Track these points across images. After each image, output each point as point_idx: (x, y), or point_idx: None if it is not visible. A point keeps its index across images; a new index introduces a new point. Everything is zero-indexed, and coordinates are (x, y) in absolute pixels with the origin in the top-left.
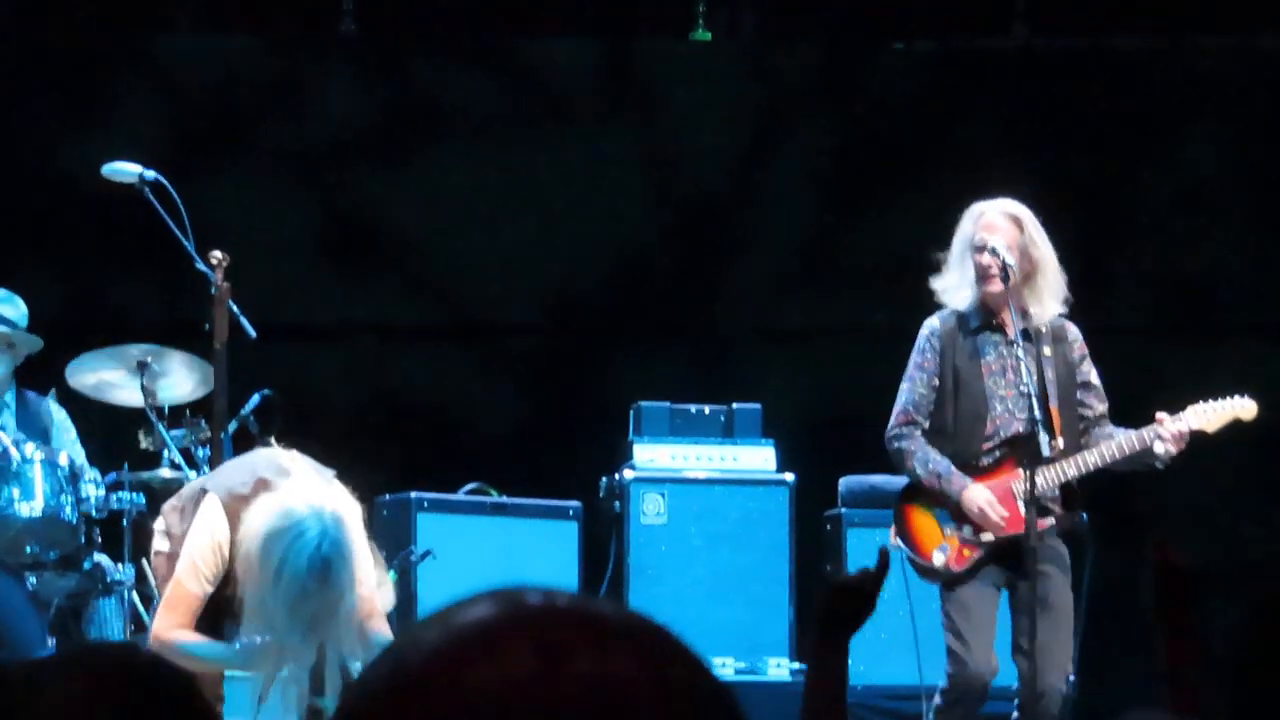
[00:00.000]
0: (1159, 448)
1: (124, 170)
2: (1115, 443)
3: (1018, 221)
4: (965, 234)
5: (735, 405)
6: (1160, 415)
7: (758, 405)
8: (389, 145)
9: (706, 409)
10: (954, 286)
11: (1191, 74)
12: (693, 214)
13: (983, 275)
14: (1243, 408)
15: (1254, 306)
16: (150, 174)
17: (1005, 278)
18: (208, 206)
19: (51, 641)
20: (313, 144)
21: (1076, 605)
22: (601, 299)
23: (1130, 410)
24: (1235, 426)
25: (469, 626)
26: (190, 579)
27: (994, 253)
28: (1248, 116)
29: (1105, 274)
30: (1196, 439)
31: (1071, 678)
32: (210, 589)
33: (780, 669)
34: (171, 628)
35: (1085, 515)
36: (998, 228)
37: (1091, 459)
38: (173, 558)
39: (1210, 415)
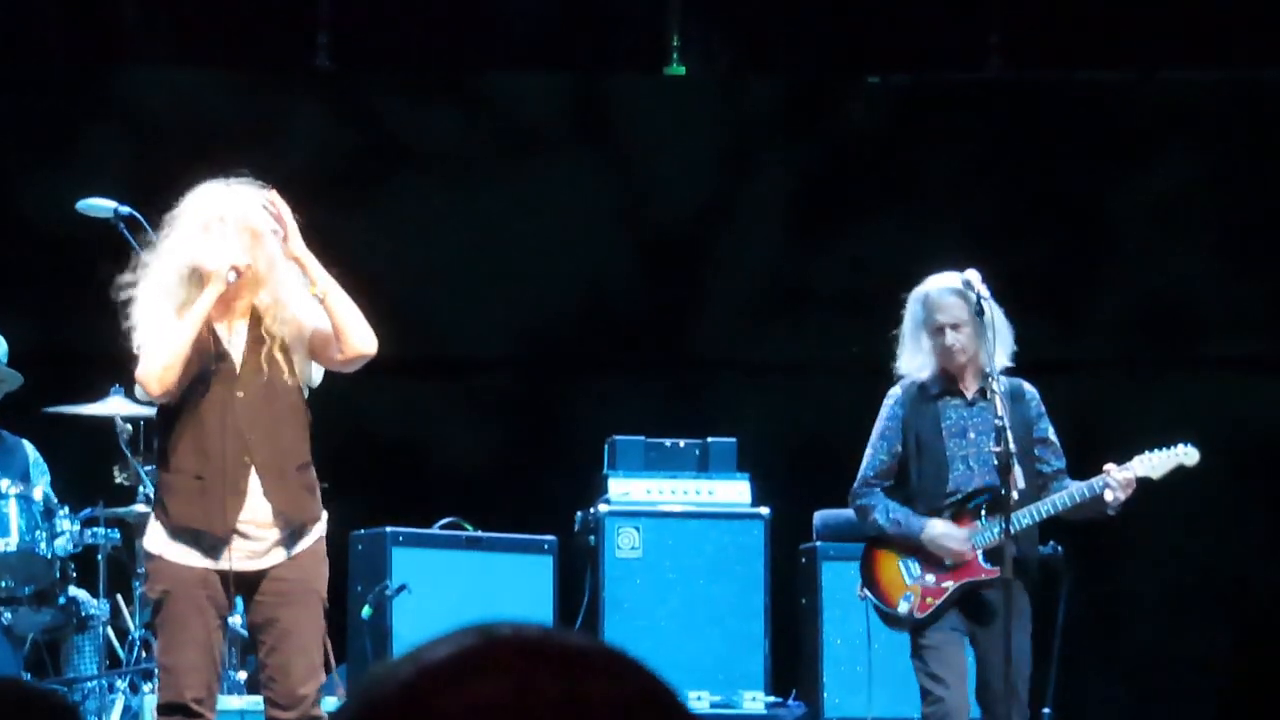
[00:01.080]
0: (1109, 495)
1: (98, 206)
2: (1066, 492)
3: (964, 296)
4: (916, 317)
5: (710, 439)
6: (1108, 466)
7: (733, 439)
8: (359, 180)
9: (681, 443)
10: (914, 365)
11: (1164, 106)
12: (664, 247)
13: (945, 356)
14: (1186, 454)
15: (1226, 336)
16: (125, 209)
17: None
18: None
19: (26, 677)
20: (282, 179)
21: (1052, 633)
22: (574, 333)
23: (1103, 439)
24: (1179, 472)
25: (439, 659)
26: (136, 333)
27: (954, 339)
28: (1220, 148)
29: (1077, 304)
30: (1142, 485)
31: (1047, 710)
32: (156, 309)
33: (755, 702)
34: (146, 352)
35: (1060, 547)
36: (948, 308)
37: (1044, 507)
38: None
39: (1155, 463)
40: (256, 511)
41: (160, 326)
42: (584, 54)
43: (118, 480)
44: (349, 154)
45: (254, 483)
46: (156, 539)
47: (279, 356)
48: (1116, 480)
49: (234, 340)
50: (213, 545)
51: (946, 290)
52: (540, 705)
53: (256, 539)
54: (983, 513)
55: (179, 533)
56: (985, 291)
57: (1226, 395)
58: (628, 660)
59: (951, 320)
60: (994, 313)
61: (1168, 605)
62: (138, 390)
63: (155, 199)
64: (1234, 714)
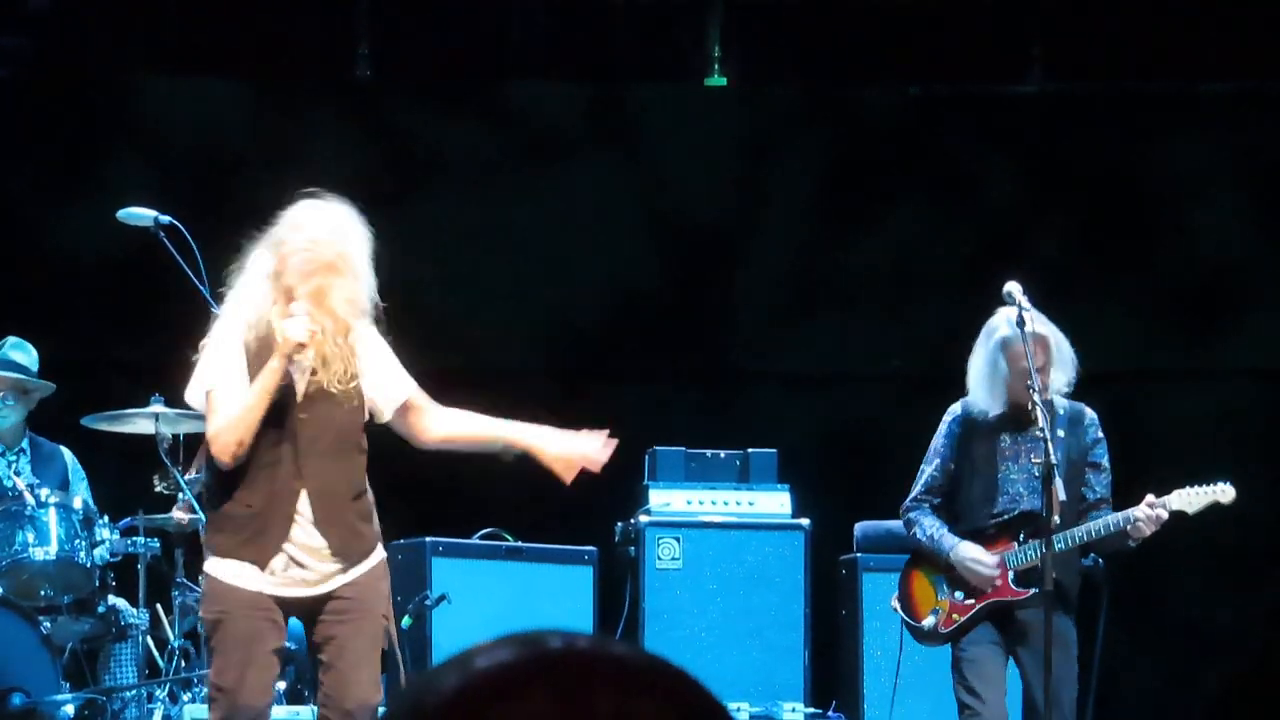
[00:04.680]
0: (1139, 528)
1: (139, 215)
2: (1102, 521)
3: (1044, 343)
4: (997, 365)
5: (750, 450)
6: (1148, 497)
7: (773, 450)
8: (384, 191)
9: (722, 453)
10: (982, 399)
11: (1206, 119)
12: (695, 253)
13: (1020, 394)
14: (1222, 493)
15: (1271, 350)
16: (165, 218)
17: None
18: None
19: (65, 685)
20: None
21: (1092, 649)
22: (608, 341)
23: (1143, 454)
24: (1215, 509)
25: (488, 670)
26: (202, 380)
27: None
28: (1261, 161)
29: (1119, 317)
30: (1176, 519)
31: None
32: (228, 366)
33: (795, 713)
34: (216, 421)
35: (1102, 561)
36: (1034, 354)
37: (1078, 533)
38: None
39: (1192, 499)
40: (310, 539)
41: (228, 374)
42: (623, 65)
43: (157, 489)
44: (374, 166)
45: (306, 511)
46: (212, 560)
47: (342, 387)
48: (1144, 516)
49: (299, 364)
50: (265, 572)
51: (1030, 335)
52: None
53: (311, 568)
54: (1021, 534)
55: (231, 557)
56: (1027, 304)
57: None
58: (680, 675)
59: (1038, 365)
60: (1063, 345)
61: (1208, 613)
62: (209, 438)
63: (185, 211)
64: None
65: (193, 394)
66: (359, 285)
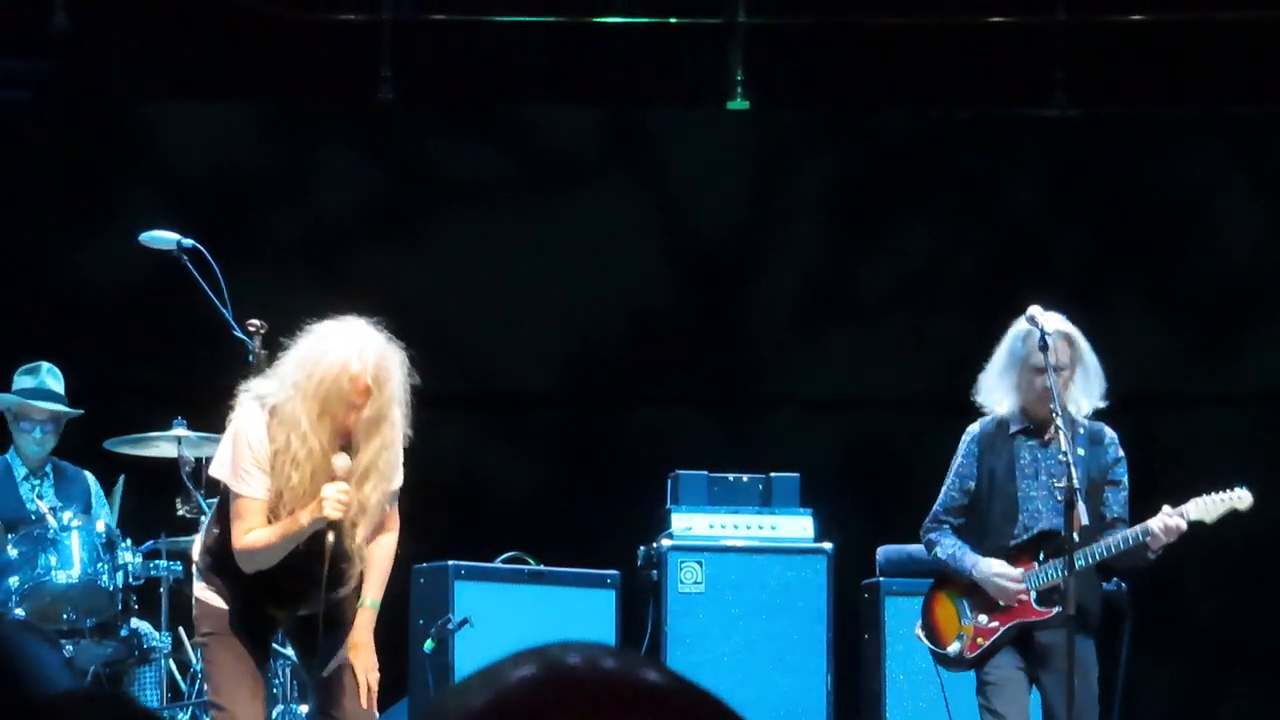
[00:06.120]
0: (1157, 538)
1: (162, 239)
2: (1120, 535)
3: (1070, 341)
4: (1016, 354)
5: (773, 474)
6: (1165, 507)
7: (796, 474)
8: (400, 217)
9: (744, 477)
10: (997, 400)
11: (1226, 141)
12: (716, 277)
13: (1036, 397)
14: (1239, 499)
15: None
16: (188, 242)
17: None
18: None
19: None
20: (323, 218)
21: (1115, 671)
22: (625, 365)
23: (1167, 475)
24: (1233, 515)
25: (515, 693)
26: (242, 485)
27: (1053, 382)
28: None
29: (1140, 340)
30: (1195, 528)
31: None
32: (265, 480)
33: None
34: (244, 534)
35: (1125, 585)
36: (1055, 350)
37: (1097, 550)
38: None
39: (1210, 507)
40: (300, 607)
41: (260, 485)
42: (641, 89)
43: (180, 513)
44: (389, 192)
45: (303, 596)
46: (201, 587)
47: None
48: (1160, 527)
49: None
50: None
51: (1057, 333)
52: None
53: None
54: (1041, 554)
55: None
56: (1050, 325)
57: None
58: (709, 700)
59: (1056, 363)
60: (1090, 361)
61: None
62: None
63: (203, 234)
64: None
65: (221, 470)
66: (396, 435)
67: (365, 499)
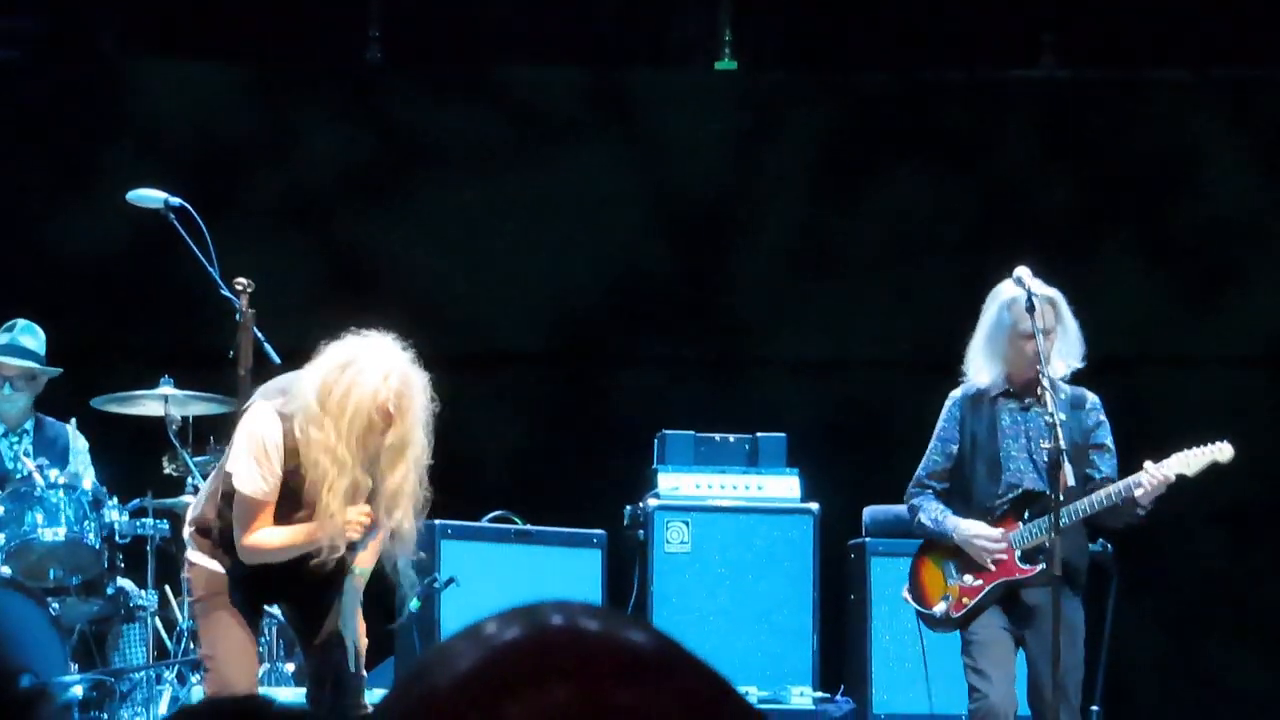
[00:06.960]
0: (1139, 493)
1: (149, 197)
2: (1104, 491)
3: (1053, 304)
4: (1002, 322)
5: (760, 434)
6: (1146, 464)
7: (783, 435)
8: (386, 178)
9: (731, 438)
10: (979, 369)
11: (1215, 103)
12: (702, 237)
13: (1022, 362)
14: (1220, 451)
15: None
16: (176, 201)
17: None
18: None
19: (74, 667)
20: (310, 178)
21: (1100, 633)
22: (612, 325)
23: (1154, 435)
24: (1214, 468)
25: (503, 655)
26: (255, 485)
27: (1040, 347)
28: (1276, 147)
29: (1128, 300)
30: (1180, 482)
31: (1096, 709)
32: (276, 482)
33: (804, 698)
34: (252, 533)
35: (1109, 545)
36: (1040, 314)
37: (1081, 506)
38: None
39: (1191, 460)
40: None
41: (271, 489)
42: (626, 48)
43: (166, 471)
44: (374, 153)
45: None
46: (196, 553)
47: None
48: (1149, 479)
49: None
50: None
51: (1041, 297)
52: (610, 716)
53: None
54: (1026, 513)
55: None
56: (1037, 288)
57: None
58: (702, 669)
59: (1043, 326)
60: (1071, 326)
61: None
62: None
63: (189, 194)
64: None
65: (234, 468)
66: (421, 456)
67: (398, 525)
